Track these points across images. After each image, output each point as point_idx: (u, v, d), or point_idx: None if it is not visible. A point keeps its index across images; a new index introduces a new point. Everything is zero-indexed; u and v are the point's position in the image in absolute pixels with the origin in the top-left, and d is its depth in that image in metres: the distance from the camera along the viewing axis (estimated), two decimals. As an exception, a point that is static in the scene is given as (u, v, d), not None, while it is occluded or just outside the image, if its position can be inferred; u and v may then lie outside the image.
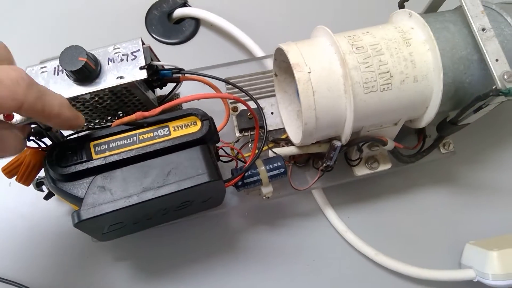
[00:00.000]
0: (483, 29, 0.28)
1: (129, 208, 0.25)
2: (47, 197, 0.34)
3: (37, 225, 0.36)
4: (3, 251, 0.35)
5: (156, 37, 0.43)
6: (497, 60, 0.27)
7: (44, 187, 0.33)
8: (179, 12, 0.43)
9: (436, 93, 0.28)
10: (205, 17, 0.43)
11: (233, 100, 0.36)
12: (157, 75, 0.30)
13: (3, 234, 0.36)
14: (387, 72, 0.28)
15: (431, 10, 0.33)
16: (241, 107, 0.36)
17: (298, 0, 0.45)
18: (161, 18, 0.44)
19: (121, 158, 0.26)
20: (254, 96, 0.36)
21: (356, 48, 0.28)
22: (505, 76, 0.27)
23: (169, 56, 0.42)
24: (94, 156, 0.26)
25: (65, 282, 0.35)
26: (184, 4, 0.44)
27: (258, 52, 0.41)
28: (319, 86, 0.27)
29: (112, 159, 0.25)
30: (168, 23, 0.44)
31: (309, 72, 0.27)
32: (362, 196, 0.38)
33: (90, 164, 0.25)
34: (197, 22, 0.44)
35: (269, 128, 0.36)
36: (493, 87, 0.27)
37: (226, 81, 0.32)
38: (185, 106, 0.36)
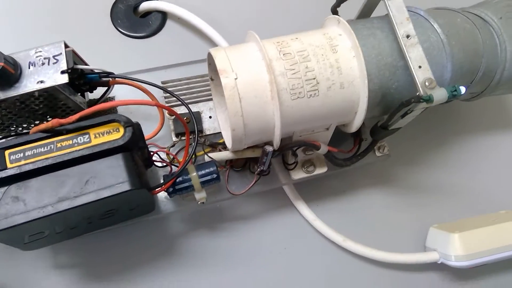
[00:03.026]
0: (408, 36, 0.28)
1: (44, 218, 0.24)
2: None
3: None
4: None
5: (122, 31, 0.42)
6: (420, 67, 0.28)
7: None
8: (145, 5, 0.43)
9: (363, 100, 0.28)
10: (172, 11, 0.42)
11: (169, 105, 0.36)
12: (83, 79, 0.29)
13: None
14: (314, 78, 0.28)
15: (364, 15, 0.33)
16: (178, 111, 0.35)
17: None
18: (127, 12, 0.43)
19: (36, 167, 0.25)
20: (193, 100, 0.36)
21: (284, 54, 0.28)
22: (427, 83, 0.27)
23: (135, 50, 0.42)
24: (9, 165, 0.25)
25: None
26: None
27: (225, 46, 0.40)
28: (246, 93, 0.27)
29: (27, 168, 0.25)
30: (134, 16, 0.43)
31: (236, 78, 0.27)
32: (326, 192, 0.39)
33: (4, 174, 0.24)
34: (164, 16, 0.43)
35: (207, 132, 0.35)
36: (416, 94, 0.27)
37: (158, 86, 0.31)
38: (122, 111, 0.36)
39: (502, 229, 0.36)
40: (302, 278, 0.37)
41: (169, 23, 0.43)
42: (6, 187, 0.24)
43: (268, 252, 0.37)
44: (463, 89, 0.27)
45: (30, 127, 0.32)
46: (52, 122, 0.25)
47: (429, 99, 0.26)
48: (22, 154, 0.25)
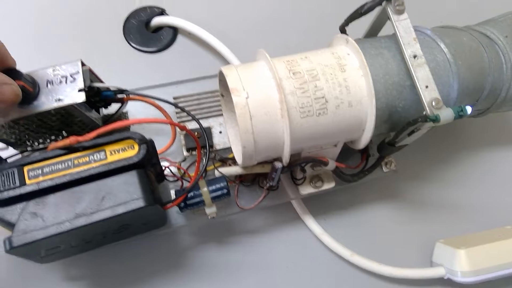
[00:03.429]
0: (415, 56, 0.29)
1: (61, 234, 0.25)
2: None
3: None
4: None
5: (134, 45, 0.43)
6: (427, 86, 0.28)
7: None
8: (156, 20, 0.44)
9: (370, 118, 0.29)
10: (183, 26, 0.43)
11: (180, 120, 0.36)
12: (99, 96, 0.30)
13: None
14: (323, 97, 0.28)
15: (371, 34, 0.34)
16: (189, 126, 0.36)
17: (276, 11, 0.46)
18: (139, 27, 0.44)
19: (54, 183, 0.25)
20: (204, 116, 0.37)
21: (293, 73, 0.29)
22: (433, 103, 0.28)
23: (147, 64, 0.43)
24: (28, 181, 0.26)
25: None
26: (162, 13, 0.44)
27: (235, 62, 0.41)
28: (257, 111, 0.28)
29: (45, 184, 0.25)
30: (146, 31, 0.44)
31: (247, 97, 0.28)
32: (334, 207, 0.39)
33: (23, 190, 0.25)
34: (175, 31, 0.44)
35: (217, 147, 0.36)
36: (423, 113, 0.28)
37: (170, 103, 0.32)
38: (135, 126, 0.37)
39: (508, 245, 0.36)
40: (310, 291, 0.37)
41: (180, 38, 0.45)
42: (25, 203, 0.25)
43: (277, 265, 0.37)
44: (469, 109, 0.27)
45: (45, 142, 0.33)
46: (70, 140, 0.26)
47: (435, 119, 0.27)
48: (40, 171, 0.26)
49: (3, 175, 0.26)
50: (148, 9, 0.45)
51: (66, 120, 0.30)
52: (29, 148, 0.33)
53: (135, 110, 0.37)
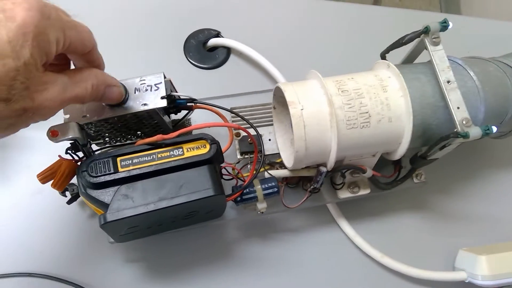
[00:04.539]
0: (448, 81, 0.33)
1: (146, 214, 0.30)
2: (69, 202, 0.39)
3: (62, 227, 0.41)
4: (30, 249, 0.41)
5: (193, 62, 0.50)
6: (458, 107, 0.33)
7: (67, 193, 0.38)
8: (212, 41, 0.50)
9: (407, 132, 0.34)
10: (235, 47, 0.49)
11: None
12: (174, 103, 0.36)
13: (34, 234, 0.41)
14: (366, 112, 0.33)
15: (408, 61, 0.38)
16: (243, 133, 0.41)
17: (319, 36, 0.52)
18: (197, 46, 0.50)
19: (142, 172, 0.31)
20: (255, 125, 0.42)
21: (342, 91, 0.34)
22: (464, 122, 0.32)
23: (203, 79, 0.49)
24: (120, 169, 0.31)
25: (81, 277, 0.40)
26: (218, 35, 0.51)
27: (281, 79, 0.47)
28: (310, 121, 0.33)
29: (134, 172, 0.31)
30: (203, 50, 0.50)
31: (302, 109, 0.33)
32: (366, 212, 0.44)
33: (116, 176, 0.31)
34: (228, 51, 0.51)
35: (266, 153, 0.41)
36: (454, 130, 0.33)
37: (231, 111, 0.37)
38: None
39: (525, 254, 0.40)
40: None
41: (232, 57, 0.51)
42: (118, 187, 0.30)
43: (312, 263, 0.42)
44: (494, 129, 0.32)
45: (122, 141, 0.38)
46: (157, 137, 0.31)
47: (465, 135, 0.32)
48: (130, 161, 0.31)
49: (100, 164, 0.31)
50: (205, 31, 0.51)
51: (144, 122, 0.36)
52: (107, 145, 0.38)
53: (196, 117, 0.42)
